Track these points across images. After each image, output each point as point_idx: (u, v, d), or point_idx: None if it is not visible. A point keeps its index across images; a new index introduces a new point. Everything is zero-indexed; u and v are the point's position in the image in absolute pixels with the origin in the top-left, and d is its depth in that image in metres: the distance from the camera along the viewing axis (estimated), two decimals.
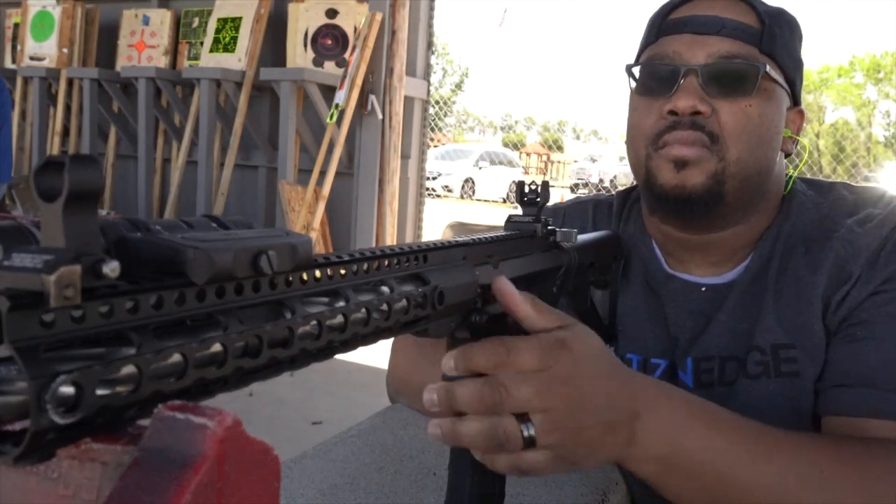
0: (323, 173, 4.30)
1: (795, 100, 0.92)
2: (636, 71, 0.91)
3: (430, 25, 4.86)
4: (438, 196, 14.38)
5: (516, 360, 0.55)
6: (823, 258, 0.85)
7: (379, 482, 0.88)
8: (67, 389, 0.25)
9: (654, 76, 0.89)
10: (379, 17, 4.29)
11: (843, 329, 0.81)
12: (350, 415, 2.81)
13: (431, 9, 4.84)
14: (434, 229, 6.29)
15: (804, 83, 0.97)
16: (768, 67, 0.84)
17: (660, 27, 0.90)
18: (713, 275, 0.94)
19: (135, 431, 0.28)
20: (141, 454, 0.27)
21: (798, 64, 0.91)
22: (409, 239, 4.90)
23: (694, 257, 0.94)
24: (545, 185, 0.74)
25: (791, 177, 0.96)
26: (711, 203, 0.85)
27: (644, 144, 0.88)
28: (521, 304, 0.58)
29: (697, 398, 0.66)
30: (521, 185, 0.75)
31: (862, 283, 0.81)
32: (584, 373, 0.57)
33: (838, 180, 0.99)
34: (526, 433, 0.54)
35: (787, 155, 0.94)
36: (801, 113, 0.94)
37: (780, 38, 0.87)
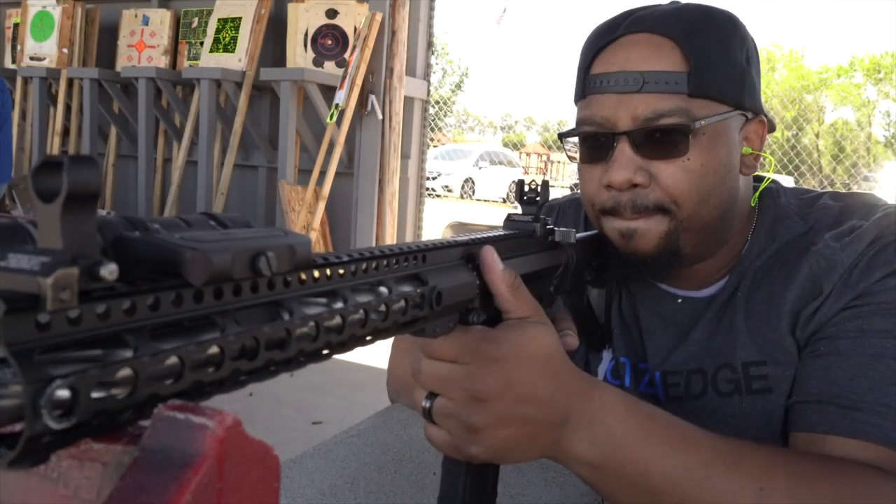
0: (323, 173, 4.30)
1: (755, 107, 0.86)
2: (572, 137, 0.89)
3: (430, 25, 4.86)
4: (438, 196, 14.38)
5: (434, 349, 0.60)
6: (796, 272, 0.83)
7: (379, 482, 0.88)
8: (63, 393, 0.25)
9: (586, 144, 0.87)
10: (379, 17, 4.29)
11: (811, 344, 0.81)
12: (350, 415, 2.81)
13: (431, 9, 4.84)
14: (434, 229, 6.29)
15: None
16: (700, 122, 0.80)
17: (585, 82, 0.86)
18: (691, 288, 0.93)
19: (135, 431, 0.28)
20: (141, 454, 0.27)
21: (742, 76, 0.84)
22: (408, 239, 4.90)
23: (666, 281, 0.94)
24: (545, 184, 0.74)
25: (760, 188, 0.93)
26: (668, 260, 0.85)
27: (593, 210, 0.88)
28: (499, 282, 0.59)
29: (647, 406, 0.66)
30: (520, 183, 0.75)
31: (832, 299, 0.79)
32: (505, 377, 0.59)
33: (828, 190, 0.95)
34: (427, 404, 0.62)
35: (752, 172, 0.89)
36: (763, 123, 0.89)
37: (711, 68, 0.81)
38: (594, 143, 0.85)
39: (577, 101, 0.89)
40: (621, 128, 0.82)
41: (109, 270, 0.26)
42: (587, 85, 0.86)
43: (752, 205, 0.91)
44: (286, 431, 2.69)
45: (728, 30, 0.84)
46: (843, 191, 0.94)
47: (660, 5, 0.87)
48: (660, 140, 0.80)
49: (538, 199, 0.73)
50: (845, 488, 0.65)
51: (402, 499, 0.85)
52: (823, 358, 0.78)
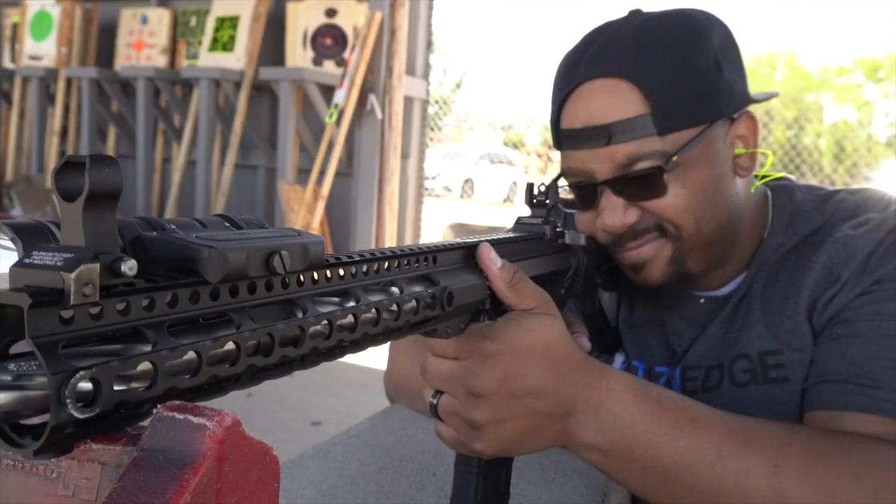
0: (322, 173, 4.30)
1: (737, 105, 0.84)
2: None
3: (429, 25, 4.86)
4: (438, 196, 14.36)
5: (436, 346, 0.62)
6: (814, 260, 0.84)
7: (378, 483, 0.88)
8: (86, 385, 0.25)
9: (574, 192, 0.89)
10: (378, 16, 4.29)
11: (827, 329, 0.81)
12: (350, 415, 2.81)
13: (431, 8, 4.83)
14: (434, 229, 6.29)
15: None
16: (673, 158, 0.79)
17: (557, 134, 0.87)
18: (712, 288, 0.94)
19: (134, 431, 0.29)
20: (140, 454, 0.27)
21: (713, 85, 0.81)
22: (408, 238, 4.90)
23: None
24: (554, 187, 0.74)
25: (760, 176, 0.93)
26: (680, 281, 0.87)
27: (604, 243, 0.89)
28: (497, 279, 0.59)
29: (656, 390, 0.65)
30: (530, 186, 0.76)
31: (850, 285, 0.80)
32: (501, 372, 0.59)
33: (842, 187, 0.95)
34: (434, 401, 0.63)
35: (750, 171, 0.88)
36: (752, 118, 0.87)
37: (675, 99, 0.79)
38: (581, 192, 0.87)
39: (555, 148, 0.91)
40: (600, 177, 0.83)
41: (129, 266, 0.26)
42: (560, 139, 0.87)
43: (752, 191, 0.91)
44: (286, 432, 2.69)
45: (687, 42, 0.81)
46: (857, 186, 0.94)
47: (618, 27, 0.85)
48: (638, 184, 0.82)
49: (547, 201, 0.74)
50: (861, 464, 0.65)
51: (401, 499, 0.85)
52: (840, 340, 0.79)
